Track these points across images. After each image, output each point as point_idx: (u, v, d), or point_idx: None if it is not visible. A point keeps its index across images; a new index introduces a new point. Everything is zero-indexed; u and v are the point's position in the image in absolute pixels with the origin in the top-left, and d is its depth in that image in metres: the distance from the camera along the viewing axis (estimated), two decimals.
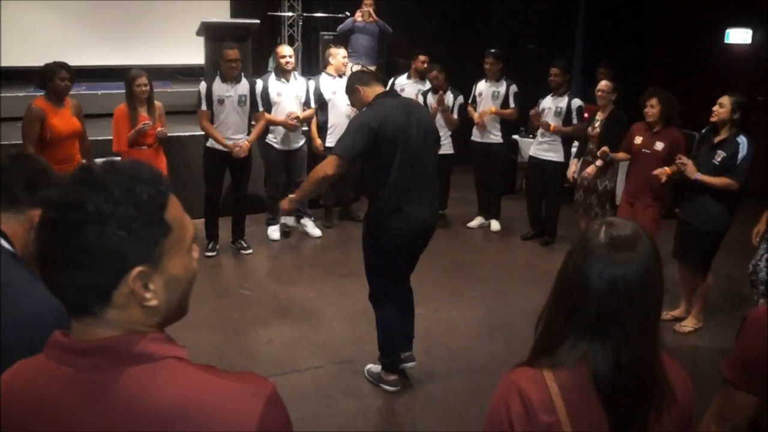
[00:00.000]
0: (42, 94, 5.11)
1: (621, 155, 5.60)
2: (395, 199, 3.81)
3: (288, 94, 6.39)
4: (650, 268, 1.40)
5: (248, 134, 6.21)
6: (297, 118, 6.36)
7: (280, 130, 6.44)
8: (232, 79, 6.03)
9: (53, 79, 5.04)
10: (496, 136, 7.03)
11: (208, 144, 6.14)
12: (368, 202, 4.12)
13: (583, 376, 1.38)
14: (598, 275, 1.38)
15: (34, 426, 1.04)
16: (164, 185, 1.07)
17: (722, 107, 4.64)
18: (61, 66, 5.14)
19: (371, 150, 3.76)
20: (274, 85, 6.40)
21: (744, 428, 1.80)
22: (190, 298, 1.16)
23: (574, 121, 6.42)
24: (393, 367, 4.13)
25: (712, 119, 4.70)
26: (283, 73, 6.43)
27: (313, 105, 6.60)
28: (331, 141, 6.91)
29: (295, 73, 6.59)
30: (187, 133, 6.81)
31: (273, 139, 6.50)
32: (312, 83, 6.74)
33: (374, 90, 3.97)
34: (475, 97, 7.09)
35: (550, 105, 6.58)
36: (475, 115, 7.03)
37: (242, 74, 6.12)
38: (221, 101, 6.03)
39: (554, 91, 6.55)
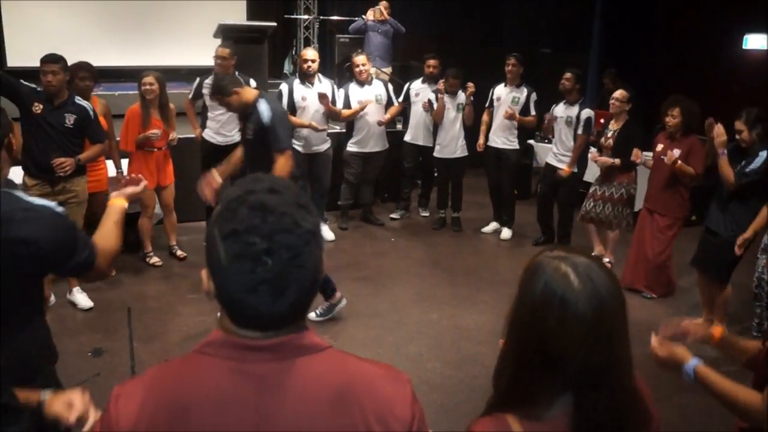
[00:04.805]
0: None
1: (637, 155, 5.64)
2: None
3: (313, 98, 6.40)
4: (616, 289, 1.30)
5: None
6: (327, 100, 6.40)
7: (304, 133, 6.44)
8: None
9: (73, 80, 5.11)
10: (512, 142, 6.95)
11: (204, 136, 6.26)
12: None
13: (560, 428, 1.28)
14: (581, 314, 1.24)
15: (203, 419, 1.09)
16: None
17: (740, 133, 4.63)
18: (81, 66, 5.21)
19: None
20: (299, 89, 6.42)
21: None
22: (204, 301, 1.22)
23: (580, 131, 6.34)
24: (335, 289, 4.97)
25: (744, 146, 4.64)
26: (306, 77, 6.43)
27: (339, 106, 6.65)
28: (353, 147, 6.96)
29: (319, 75, 6.56)
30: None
31: (297, 143, 6.44)
32: (341, 91, 6.81)
33: (251, 91, 4.50)
34: (492, 101, 7.01)
35: (561, 114, 6.50)
36: (481, 141, 7.02)
37: (236, 73, 6.15)
38: None
39: (565, 96, 6.48)
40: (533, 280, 1.30)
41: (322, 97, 6.33)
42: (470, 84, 6.83)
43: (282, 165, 4.25)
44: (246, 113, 4.42)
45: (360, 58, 6.87)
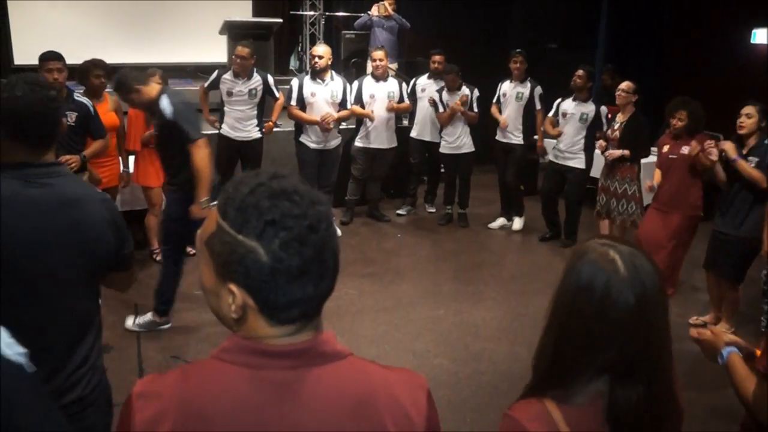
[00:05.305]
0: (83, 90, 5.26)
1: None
2: None
3: (322, 95, 6.38)
4: (659, 280, 1.31)
5: (258, 125, 6.35)
6: (331, 117, 6.34)
7: (315, 129, 6.43)
8: (243, 75, 6.14)
9: (88, 77, 5.19)
10: (517, 138, 6.96)
11: (221, 131, 6.29)
12: (176, 175, 4.35)
13: (595, 414, 1.29)
14: (623, 300, 1.27)
15: (221, 429, 1.07)
16: None
17: (750, 117, 4.58)
18: (95, 64, 5.26)
19: None
20: (309, 85, 6.41)
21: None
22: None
23: (605, 127, 6.31)
24: (168, 312, 4.71)
25: (741, 131, 4.61)
26: (317, 73, 6.42)
27: (349, 106, 6.61)
28: (359, 142, 6.95)
29: (332, 72, 6.54)
30: (212, 132, 6.83)
31: (307, 139, 6.48)
32: (356, 84, 6.79)
33: (154, 87, 4.27)
34: (499, 97, 7.04)
35: (573, 110, 6.47)
36: (501, 119, 6.98)
37: (254, 70, 6.22)
38: (230, 93, 6.19)
39: (576, 93, 6.45)
40: (580, 263, 1.33)
41: (324, 120, 6.29)
42: (460, 103, 6.79)
43: (199, 156, 4.10)
44: (152, 110, 4.32)
45: (378, 53, 6.87)
